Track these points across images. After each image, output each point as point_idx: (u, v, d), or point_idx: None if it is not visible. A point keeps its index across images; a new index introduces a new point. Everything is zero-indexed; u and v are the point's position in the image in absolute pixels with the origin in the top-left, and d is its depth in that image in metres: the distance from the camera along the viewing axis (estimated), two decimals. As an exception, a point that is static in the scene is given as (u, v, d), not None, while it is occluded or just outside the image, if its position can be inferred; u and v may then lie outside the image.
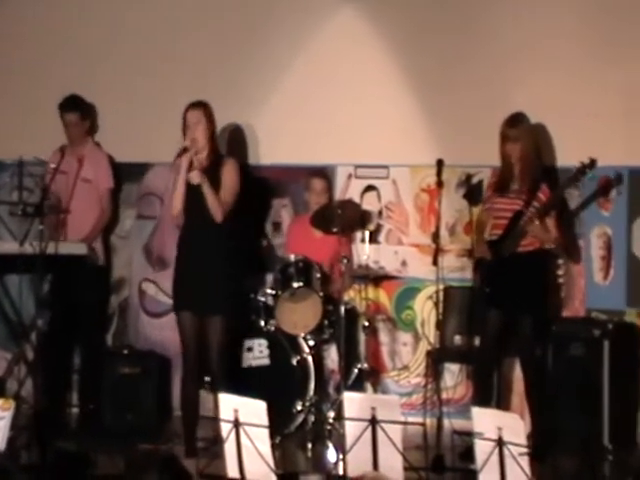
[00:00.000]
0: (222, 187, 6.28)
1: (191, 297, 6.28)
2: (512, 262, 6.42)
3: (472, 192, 6.98)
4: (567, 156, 6.89)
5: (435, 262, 6.42)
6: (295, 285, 6.64)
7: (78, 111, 7.23)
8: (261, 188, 7.45)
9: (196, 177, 6.19)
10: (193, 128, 6.30)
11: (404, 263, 7.30)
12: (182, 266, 6.38)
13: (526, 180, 6.47)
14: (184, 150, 6.25)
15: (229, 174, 6.34)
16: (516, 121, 6.48)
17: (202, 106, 6.35)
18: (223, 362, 6.31)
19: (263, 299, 6.78)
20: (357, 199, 7.31)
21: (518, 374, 6.72)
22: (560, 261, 6.99)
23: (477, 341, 6.85)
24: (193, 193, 6.26)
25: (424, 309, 7.20)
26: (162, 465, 3.30)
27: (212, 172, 6.32)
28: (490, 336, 6.49)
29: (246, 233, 6.79)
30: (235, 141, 7.40)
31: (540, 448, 5.88)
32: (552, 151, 6.95)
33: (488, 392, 6.49)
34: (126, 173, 7.56)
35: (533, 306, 6.42)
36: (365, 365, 6.76)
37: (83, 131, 7.29)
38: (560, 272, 7.01)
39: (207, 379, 6.43)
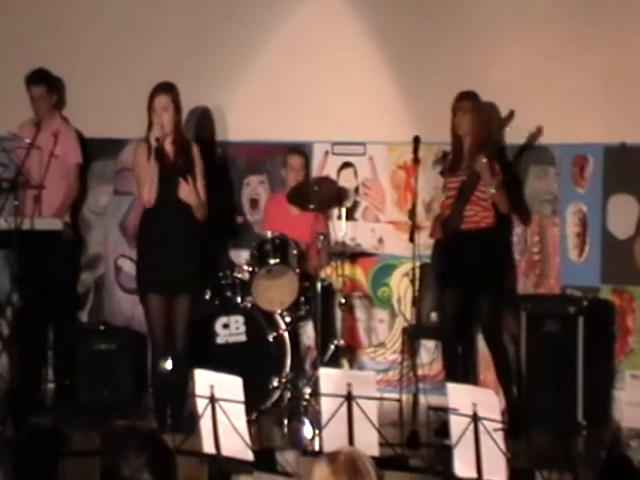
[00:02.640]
0: (197, 177, 6.27)
1: (159, 278, 6.25)
2: (462, 240, 6.41)
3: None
4: (544, 134, 6.92)
5: (412, 239, 6.44)
6: (272, 262, 6.64)
7: (45, 84, 7.14)
8: (233, 166, 7.45)
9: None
10: (160, 114, 6.22)
11: (381, 240, 7.30)
12: (148, 248, 6.34)
13: (475, 155, 6.44)
14: (157, 140, 6.18)
15: (200, 164, 6.33)
16: (467, 95, 6.50)
17: (170, 91, 6.26)
18: (187, 340, 6.31)
19: (239, 276, 6.77)
20: (334, 176, 7.30)
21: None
22: (536, 238, 7.02)
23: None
24: (161, 174, 6.23)
25: (400, 286, 7.21)
26: (142, 440, 3.29)
27: (182, 158, 6.29)
28: (449, 315, 6.51)
29: (219, 210, 6.77)
30: (204, 118, 7.36)
31: (515, 424, 5.91)
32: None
33: (456, 370, 6.51)
34: (101, 149, 7.51)
35: (486, 284, 6.42)
36: (341, 342, 6.77)
37: (50, 105, 7.20)
38: (535, 249, 7.04)
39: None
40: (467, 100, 6.48)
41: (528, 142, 6.62)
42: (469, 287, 6.42)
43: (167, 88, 6.27)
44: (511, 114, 6.50)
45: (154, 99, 6.24)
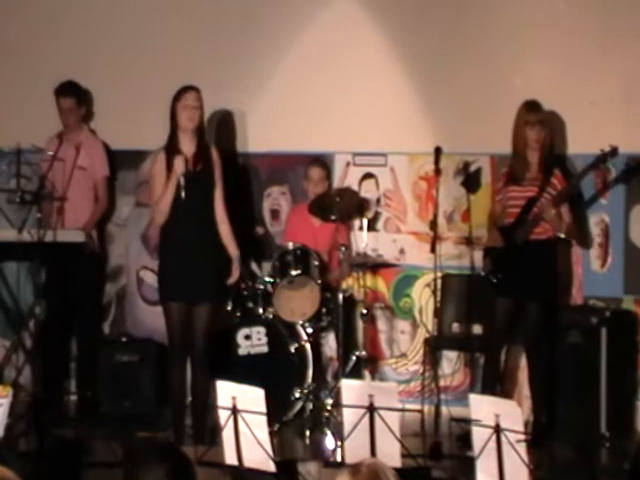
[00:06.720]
0: (218, 187, 6.33)
1: (179, 287, 6.28)
2: (525, 250, 6.41)
3: (470, 180, 6.99)
4: (565, 143, 6.90)
5: (433, 250, 6.43)
6: (293, 273, 6.64)
7: (74, 96, 7.20)
8: (254, 176, 7.46)
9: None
10: (191, 110, 6.29)
11: (402, 251, 7.30)
12: (169, 256, 6.38)
13: (542, 167, 6.46)
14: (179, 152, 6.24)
15: (218, 169, 6.36)
16: (535, 106, 6.48)
17: (198, 91, 6.33)
18: (206, 350, 6.32)
19: (261, 287, 6.78)
20: (355, 187, 7.31)
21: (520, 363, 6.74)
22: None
23: (476, 329, 6.86)
24: (182, 183, 6.25)
25: (422, 297, 7.20)
26: (162, 452, 3.29)
27: (202, 164, 6.32)
28: (498, 324, 6.48)
29: (241, 221, 6.78)
30: (225, 128, 7.38)
31: (538, 435, 5.88)
32: (563, 139, 6.93)
33: (493, 381, 6.48)
34: (123, 161, 7.54)
35: (543, 294, 6.41)
36: (363, 352, 6.77)
37: (78, 117, 7.26)
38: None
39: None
40: (534, 112, 6.45)
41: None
42: (523, 296, 6.39)
43: (195, 88, 6.35)
44: (614, 150, 6.37)
45: (184, 95, 6.30)
